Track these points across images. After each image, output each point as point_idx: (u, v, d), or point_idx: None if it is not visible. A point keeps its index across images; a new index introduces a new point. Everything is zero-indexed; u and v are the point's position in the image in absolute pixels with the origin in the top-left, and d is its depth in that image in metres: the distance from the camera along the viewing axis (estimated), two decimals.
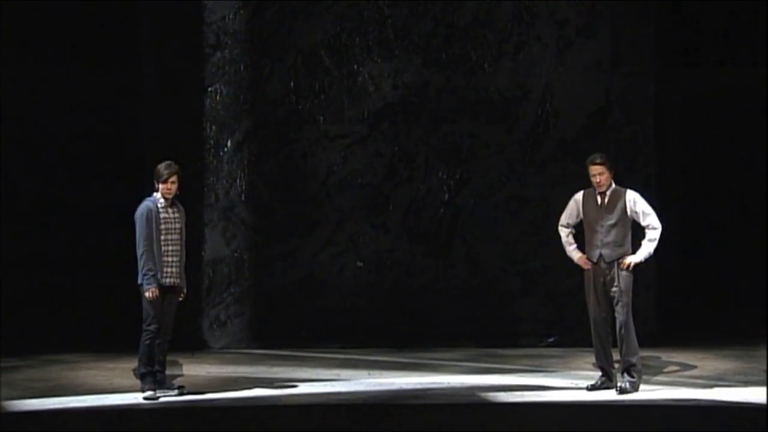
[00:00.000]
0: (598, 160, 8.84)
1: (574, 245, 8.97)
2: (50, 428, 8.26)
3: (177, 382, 9.08)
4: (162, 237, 8.74)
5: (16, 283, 11.58)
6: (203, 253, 11.36)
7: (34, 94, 11.71)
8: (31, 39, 11.75)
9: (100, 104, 11.86)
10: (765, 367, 9.39)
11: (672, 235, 10.45)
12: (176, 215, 8.82)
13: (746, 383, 9.08)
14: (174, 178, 8.74)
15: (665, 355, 10.05)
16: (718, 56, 12.49)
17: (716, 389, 8.96)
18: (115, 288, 10.34)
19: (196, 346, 11.04)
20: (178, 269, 8.78)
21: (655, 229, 8.76)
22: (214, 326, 11.43)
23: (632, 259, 8.74)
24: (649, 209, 8.81)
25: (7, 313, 11.35)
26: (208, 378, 9.65)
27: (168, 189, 8.73)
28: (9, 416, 8.34)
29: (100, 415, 8.43)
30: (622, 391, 8.67)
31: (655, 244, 8.76)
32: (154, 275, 8.69)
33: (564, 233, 9.02)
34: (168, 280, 8.75)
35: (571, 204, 9.02)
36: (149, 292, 8.68)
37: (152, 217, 8.72)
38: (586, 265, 8.90)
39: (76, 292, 11.56)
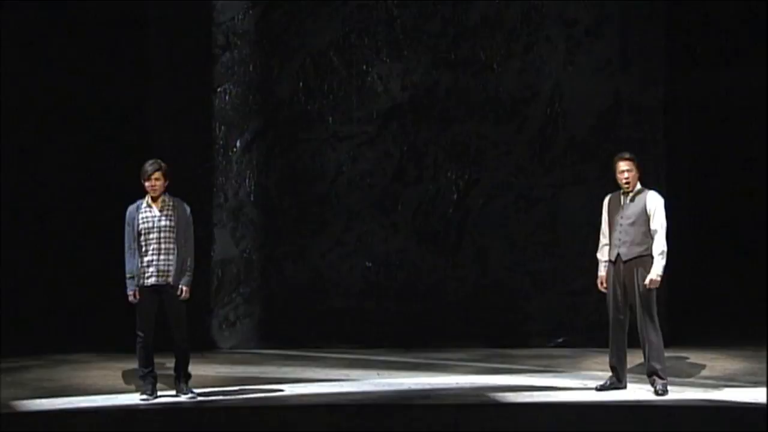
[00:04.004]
0: (627, 156, 8.78)
1: (602, 262, 8.89)
2: (60, 428, 8.27)
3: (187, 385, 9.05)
4: (142, 237, 8.69)
5: (27, 283, 11.62)
6: (212, 254, 11.38)
7: (42, 95, 11.73)
8: (39, 39, 11.78)
9: (109, 104, 11.88)
10: None
11: (682, 235, 10.44)
12: (162, 213, 8.68)
13: (756, 384, 9.06)
14: (157, 175, 8.65)
15: (675, 356, 10.03)
16: (728, 56, 12.46)
17: (726, 390, 8.94)
18: (126, 288, 10.33)
19: (205, 346, 11.05)
20: (166, 268, 8.66)
21: (661, 242, 8.68)
22: (223, 326, 11.45)
23: (653, 275, 8.59)
24: (662, 220, 8.69)
25: (18, 313, 11.38)
26: (218, 378, 9.66)
27: (152, 186, 8.67)
28: (19, 416, 8.36)
29: (110, 416, 8.44)
30: (658, 393, 8.62)
31: (665, 258, 8.68)
32: (131, 278, 8.68)
33: (600, 243, 8.95)
34: (152, 280, 8.68)
35: (603, 209, 8.96)
36: (129, 296, 8.69)
37: (129, 219, 8.72)
38: (600, 286, 8.89)
39: (87, 293, 11.58)
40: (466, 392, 9.03)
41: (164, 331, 8.84)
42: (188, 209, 8.84)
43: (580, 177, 11.33)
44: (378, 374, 9.83)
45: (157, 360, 8.86)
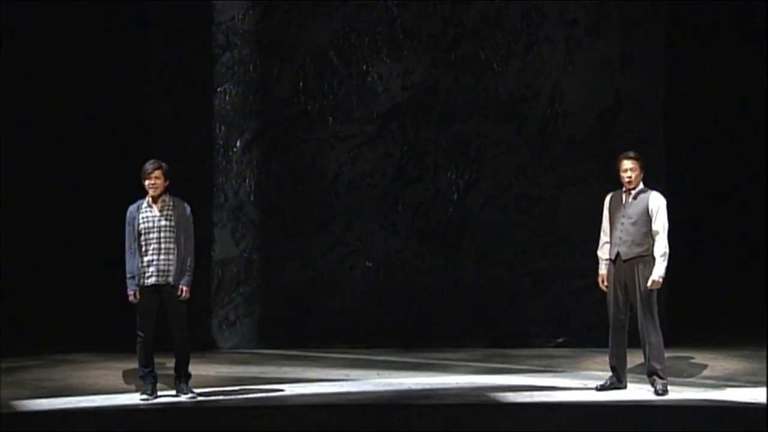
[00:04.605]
0: (631, 155, 8.78)
1: (603, 260, 8.88)
2: (60, 428, 8.28)
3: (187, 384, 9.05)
4: (142, 237, 8.69)
5: (27, 283, 11.62)
6: (212, 253, 11.37)
7: (43, 94, 11.73)
8: (40, 39, 11.78)
9: (109, 104, 11.89)
10: None
11: (682, 234, 10.44)
12: (162, 213, 8.69)
13: (756, 384, 9.06)
14: (157, 173, 8.66)
15: (675, 356, 10.03)
16: (728, 56, 12.45)
17: (726, 389, 8.94)
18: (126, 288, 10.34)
19: (205, 346, 11.05)
20: (166, 268, 8.66)
21: (663, 244, 8.67)
22: (223, 326, 11.45)
23: (655, 276, 8.59)
24: (664, 221, 8.69)
25: (18, 312, 11.38)
26: (218, 378, 9.66)
27: (153, 184, 8.67)
28: (19, 416, 8.36)
29: (110, 416, 8.45)
30: (658, 393, 8.62)
31: (666, 260, 8.68)
32: (132, 278, 8.68)
33: (600, 241, 8.94)
34: (152, 279, 8.68)
35: (604, 207, 8.95)
36: (129, 296, 8.69)
37: (130, 219, 8.73)
38: (601, 284, 8.88)
39: (87, 293, 11.59)
40: (466, 392, 9.03)
41: (164, 331, 8.84)
42: (188, 209, 8.84)
43: (580, 177, 11.33)
44: (378, 374, 9.83)
45: (157, 360, 8.87)
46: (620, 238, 8.76)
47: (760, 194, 12.26)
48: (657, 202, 8.75)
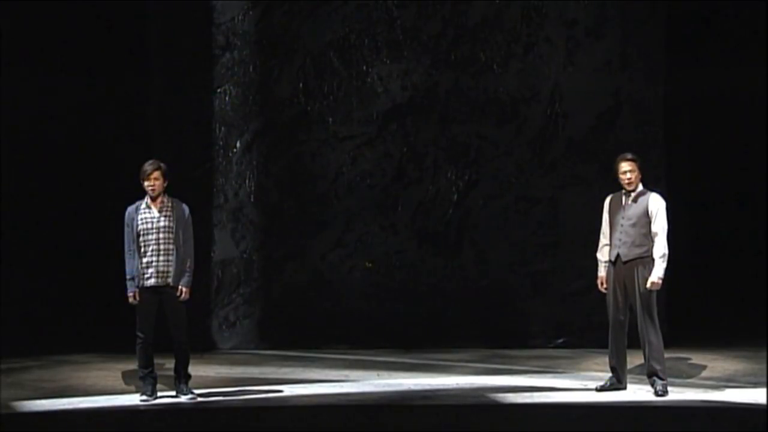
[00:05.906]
0: (629, 157, 8.79)
1: (602, 262, 8.88)
2: (60, 429, 8.28)
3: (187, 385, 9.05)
4: (141, 238, 8.69)
5: (27, 284, 11.62)
6: (212, 254, 11.38)
7: (42, 96, 11.74)
8: (39, 40, 11.78)
9: (109, 105, 11.89)
10: None
11: (682, 235, 10.44)
12: (161, 214, 8.69)
13: (756, 384, 9.06)
14: (156, 174, 8.64)
15: (675, 356, 10.03)
16: (728, 56, 12.45)
17: (726, 390, 8.95)
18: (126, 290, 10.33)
19: (205, 346, 11.06)
20: (165, 269, 8.66)
21: (662, 245, 8.67)
22: (223, 327, 11.45)
23: (654, 278, 8.59)
24: (664, 223, 8.69)
25: (18, 313, 11.39)
26: (217, 378, 9.67)
27: (152, 186, 8.67)
28: (19, 417, 8.37)
29: (109, 416, 8.46)
30: (658, 394, 8.62)
31: (665, 261, 8.68)
32: (131, 279, 8.68)
33: (600, 243, 8.94)
34: (151, 281, 8.67)
35: (603, 209, 8.95)
36: (129, 297, 8.69)
37: (129, 220, 8.72)
38: (601, 287, 8.88)
39: (87, 293, 11.59)
40: (466, 393, 9.04)
41: (164, 332, 8.84)
42: (187, 210, 8.83)
43: (580, 177, 11.33)
44: (378, 375, 9.83)
45: (157, 360, 8.87)
46: (620, 240, 8.77)
47: (760, 194, 12.25)
48: (656, 204, 8.76)
